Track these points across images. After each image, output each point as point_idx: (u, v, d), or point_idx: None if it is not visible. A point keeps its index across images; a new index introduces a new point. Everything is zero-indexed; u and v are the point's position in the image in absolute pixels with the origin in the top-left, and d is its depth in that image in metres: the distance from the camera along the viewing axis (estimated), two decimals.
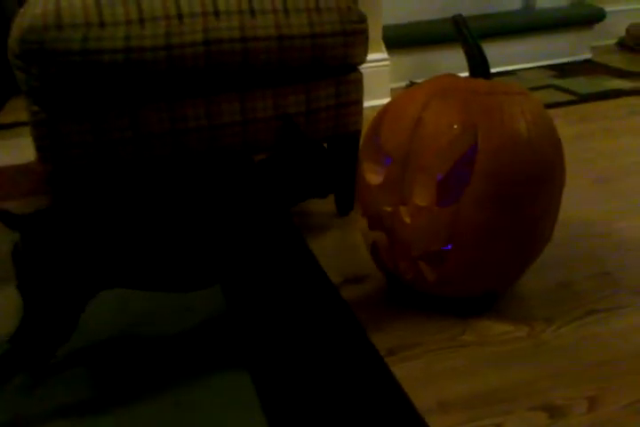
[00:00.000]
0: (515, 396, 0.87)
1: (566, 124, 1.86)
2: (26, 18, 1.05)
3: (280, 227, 0.95)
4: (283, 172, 0.95)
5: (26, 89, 1.07)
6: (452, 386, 0.89)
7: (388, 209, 1.00)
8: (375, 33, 2.02)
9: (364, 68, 1.30)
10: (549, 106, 2.01)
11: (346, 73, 1.26)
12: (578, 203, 1.39)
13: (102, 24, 1.05)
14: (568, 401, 0.86)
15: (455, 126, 0.93)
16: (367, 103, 1.55)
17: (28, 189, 1.59)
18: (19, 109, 2.12)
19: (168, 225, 0.86)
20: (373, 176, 1.04)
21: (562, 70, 2.43)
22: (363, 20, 1.21)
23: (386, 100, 2.07)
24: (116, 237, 0.83)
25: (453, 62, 2.27)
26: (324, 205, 1.44)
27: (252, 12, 1.14)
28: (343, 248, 1.28)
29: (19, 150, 1.83)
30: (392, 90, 2.18)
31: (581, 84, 2.26)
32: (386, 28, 2.12)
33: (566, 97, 2.13)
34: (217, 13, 1.11)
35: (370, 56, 1.35)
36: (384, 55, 2.12)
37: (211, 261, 0.91)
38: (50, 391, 0.89)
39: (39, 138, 1.09)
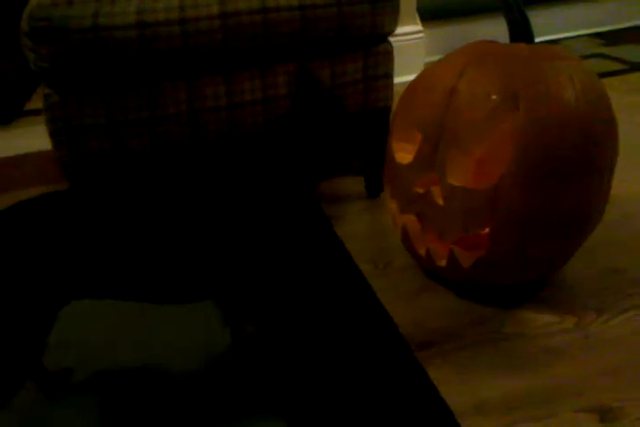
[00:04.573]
0: (561, 396, 0.81)
1: (617, 95, 1.74)
2: None
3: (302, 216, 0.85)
4: (302, 141, 0.81)
5: (36, 70, 1.03)
6: (490, 385, 0.83)
7: (420, 190, 0.95)
8: (409, 3, 1.93)
9: (396, 41, 1.22)
10: (598, 75, 1.88)
11: (374, 44, 1.18)
12: (631, 180, 1.30)
13: None
14: (622, 403, 0.79)
15: (494, 96, 0.86)
16: (400, 79, 1.47)
17: (55, 175, 1.57)
18: None
19: (156, 223, 0.73)
20: (404, 155, 0.99)
21: (610, 38, 2.33)
22: None
23: None
24: (92, 238, 0.71)
25: (493, 34, 2.15)
26: (352, 186, 1.38)
27: None
28: (372, 233, 1.22)
29: (47, 137, 1.82)
30: (426, 64, 2.09)
31: (632, 52, 2.15)
32: None
33: (616, 66, 2.04)
34: None
35: (403, 28, 1.27)
36: (418, 27, 2.03)
37: (208, 269, 0.77)
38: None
39: (52, 122, 1.06)
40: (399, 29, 1.22)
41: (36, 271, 0.68)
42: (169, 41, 1.02)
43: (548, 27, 2.33)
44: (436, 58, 2.26)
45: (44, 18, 0.98)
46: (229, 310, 0.83)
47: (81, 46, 1.00)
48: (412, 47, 2.01)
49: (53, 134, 1.07)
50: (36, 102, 2.15)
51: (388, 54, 1.20)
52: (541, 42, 2.28)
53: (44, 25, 0.98)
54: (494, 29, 2.18)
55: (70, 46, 0.99)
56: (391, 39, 1.21)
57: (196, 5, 1.03)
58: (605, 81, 1.86)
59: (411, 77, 1.96)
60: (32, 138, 1.84)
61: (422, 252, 0.99)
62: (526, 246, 0.90)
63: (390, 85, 1.24)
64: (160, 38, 1.02)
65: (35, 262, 0.68)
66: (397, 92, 1.25)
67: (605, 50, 2.19)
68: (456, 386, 0.82)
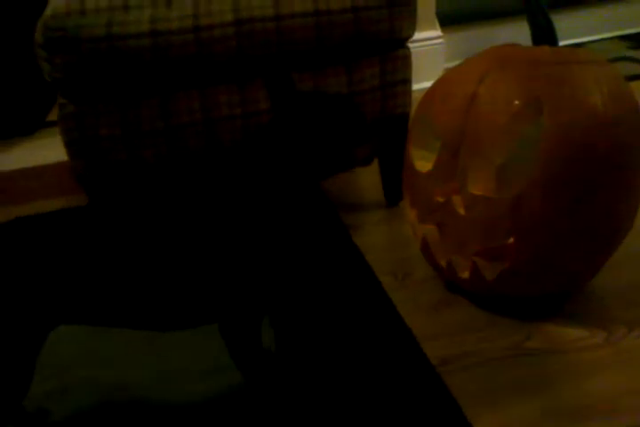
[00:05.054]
0: (591, 416, 0.76)
1: None
2: (50, 5, 1.01)
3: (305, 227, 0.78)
4: (290, 145, 0.73)
5: (51, 81, 1.03)
6: (516, 403, 0.79)
7: (440, 199, 0.92)
8: (428, 8, 1.91)
9: (415, 46, 1.20)
10: (625, 79, 1.83)
11: (392, 50, 1.16)
12: None
13: (126, 7, 1.00)
14: None
15: (516, 102, 0.83)
16: (419, 85, 1.45)
17: (76, 186, 1.58)
18: None
19: (151, 245, 0.69)
20: (423, 163, 0.97)
21: (636, 40, 2.28)
22: None
23: None
24: (79, 259, 0.67)
25: (516, 38, 2.12)
26: (370, 195, 1.36)
27: None
28: (391, 243, 1.20)
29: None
30: (446, 70, 2.05)
31: None
32: (439, 3, 2.00)
33: None
34: None
35: (422, 34, 1.25)
36: (438, 32, 2.01)
37: (209, 291, 0.72)
38: None
39: (67, 132, 1.06)
40: (418, 35, 1.20)
41: (23, 291, 0.65)
42: (183, 49, 1.02)
43: (572, 30, 2.29)
44: (455, 63, 2.24)
45: (58, 28, 0.98)
46: (240, 331, 0.76)
47: (95, 56, 0.99)
48: (432, 53, 1.98)
49: (68, 144, 1.07)
50: (54, 115, 2.18)
51: (407, 60, 1.18)
52: (566, 45, 2.24)
53: (58, 35, 0.98)
54: (515, 33, 2.15)
55: (84, 56, 0.99)
56: (410, 45, 1.18)
57: (210, 13, 1.02)
58: (632, 85, 1.81)
59: (430, 84, 1.94)
60: (54, 149, 1.85)
61: (443, 263, 0.96)
62: (552, 257, 0.87)
63: (408, 91, 1.21)
64: (174, 46, 1.01)
65: (23, 282, 0.65)
66: (416, 99, 1.22)
67: (632, 53, 2.14)
68: (480, 404, 0.79)
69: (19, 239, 0.66)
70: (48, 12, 0.99)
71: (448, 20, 2.08)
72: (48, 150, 1.85)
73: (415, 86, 1.23)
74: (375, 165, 1.31)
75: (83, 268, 0.66)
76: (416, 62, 1.20)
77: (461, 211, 0.89)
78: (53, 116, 2.13)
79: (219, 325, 0.75)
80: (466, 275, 0.94)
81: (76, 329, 0.73)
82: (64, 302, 0.66)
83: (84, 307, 0.68)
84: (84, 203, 1.41)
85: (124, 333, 0.76)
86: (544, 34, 0.93)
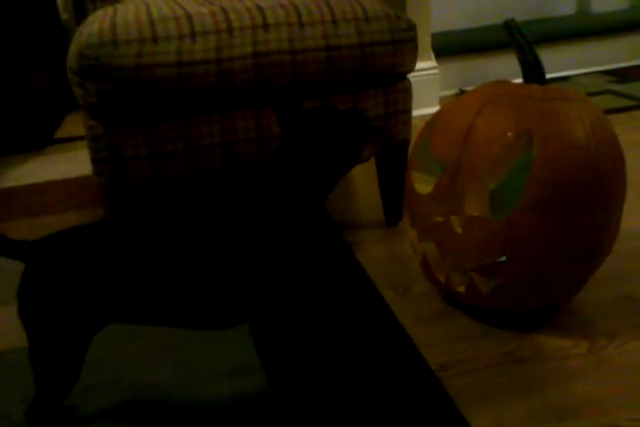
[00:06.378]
0: (577, 416, 0.82)
1: (627, 131, 1.77)
2: (83, 35, 1.08)
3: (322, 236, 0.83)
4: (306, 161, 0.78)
5: (83, 104, 1.10)
6: (508, 404, 0.85)
7: (439, 219, 0.98)
8: (424, 41, 2.00)
9: (412, 76, 1.28)
10: (608, 112, 1.93)
11: (394, 82, 1.24)
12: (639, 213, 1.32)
13: (155, 39, 1.07)
14: (636, 423, 0.81)
15: (509, 133, 0.90)
16: (416, 112, 1.53)
17: (86, 201, 1.64)
18: (76, 124, 2.20)
19: (188, 252, 0.74)
20: (423, 186, 1.03)
21: (620, 75, 2.35)
22: (412, 27, 1.20)
23: (435, 109, 2.03)
24: (127, 262, 0.73)
25: (505, 69, 2.23)
26: (372, 215, 1.42)
27: (301, 24, 1.14)
28: (392, 260, 1.26)
29: (76, 163, 1.90)
30: (441, 98, 2.15)
31: None
32: (435, 36, 2.10)
33: (626, 102, 2.05)
34: (266, 26, 1.12)
35: (418, 64, 1.34)
36: (433, 63, 2.10)
37: (241, 292, 0.76)
38: None
39: (96, 151, 1.12)
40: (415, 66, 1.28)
41: (75, 296, 0.71)
42: (206, 78, 1.09)
43: (560, 63, 2.36)
44: (450, 92, 2.34)
45: (91, 57, 1.05)
46: (270, 333, 0.81)
47: (125, 83, 1.06)
48: (428, 82, 2.07)
49: (96, 163, 1.12)
50: (64, 131, 2.25)
51: (407, 91, 1.26)
52: (553, 78, 2.31)
53: (91, 64, 1.04)
54: (506, 64, 2.26)
55: (115, 83, 1.05)
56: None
57: (231, 46, 1.10)
58: (613, 117, 1.89)
59: (426, 111, 2.04)
60: (65, 165, 1.92)
61: (441, 278, 1.02)
62: (541, 274, 0.93)
63: (409, 120, 1.29)
64: (197, 76, 1.08)
65: (74, 287, 0.71)
66: (414, 125, 1.30)
67: (615, 87, 2.20)
68: (476, 404, 0.85)
69: (70, 246, 0.74)
70: (83, 40, 1.07)
71: (442, 52, 2.18)
72: (59, 166, 1.92)
73: (413, 113, 1.29)
74: (375, 188, 1.38)
75: (128, 271, 0.73)
76: (413, 91, 1.27)
77: (459, 230, 0.95)
78: (61, 133, 2.21)
79: (250, 325, 0.80)
80: (462, 289, 1.00)
81: (120, 327, 0.79)
82: (113, 302, 0.73)
83: (130, 307, 0.74)
84: (99, 216, 1.48)
85: (161, 331, 0.82)
86: (534, 73, 1.01)
